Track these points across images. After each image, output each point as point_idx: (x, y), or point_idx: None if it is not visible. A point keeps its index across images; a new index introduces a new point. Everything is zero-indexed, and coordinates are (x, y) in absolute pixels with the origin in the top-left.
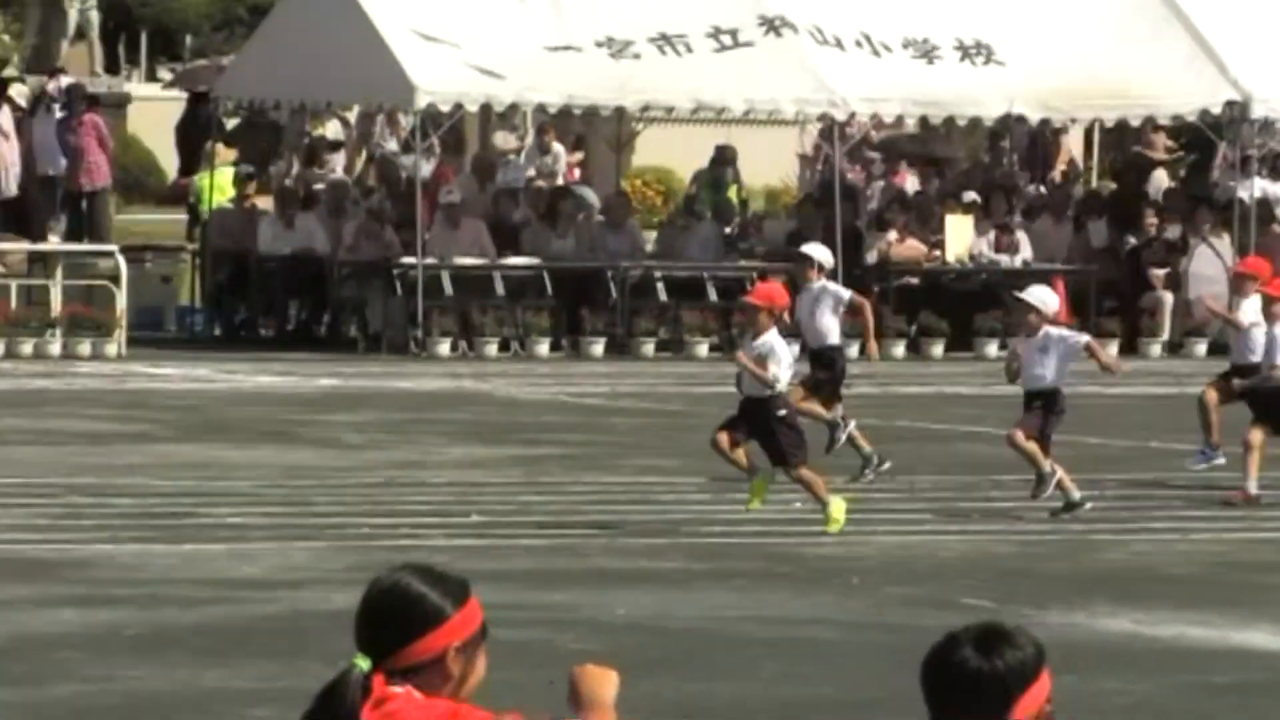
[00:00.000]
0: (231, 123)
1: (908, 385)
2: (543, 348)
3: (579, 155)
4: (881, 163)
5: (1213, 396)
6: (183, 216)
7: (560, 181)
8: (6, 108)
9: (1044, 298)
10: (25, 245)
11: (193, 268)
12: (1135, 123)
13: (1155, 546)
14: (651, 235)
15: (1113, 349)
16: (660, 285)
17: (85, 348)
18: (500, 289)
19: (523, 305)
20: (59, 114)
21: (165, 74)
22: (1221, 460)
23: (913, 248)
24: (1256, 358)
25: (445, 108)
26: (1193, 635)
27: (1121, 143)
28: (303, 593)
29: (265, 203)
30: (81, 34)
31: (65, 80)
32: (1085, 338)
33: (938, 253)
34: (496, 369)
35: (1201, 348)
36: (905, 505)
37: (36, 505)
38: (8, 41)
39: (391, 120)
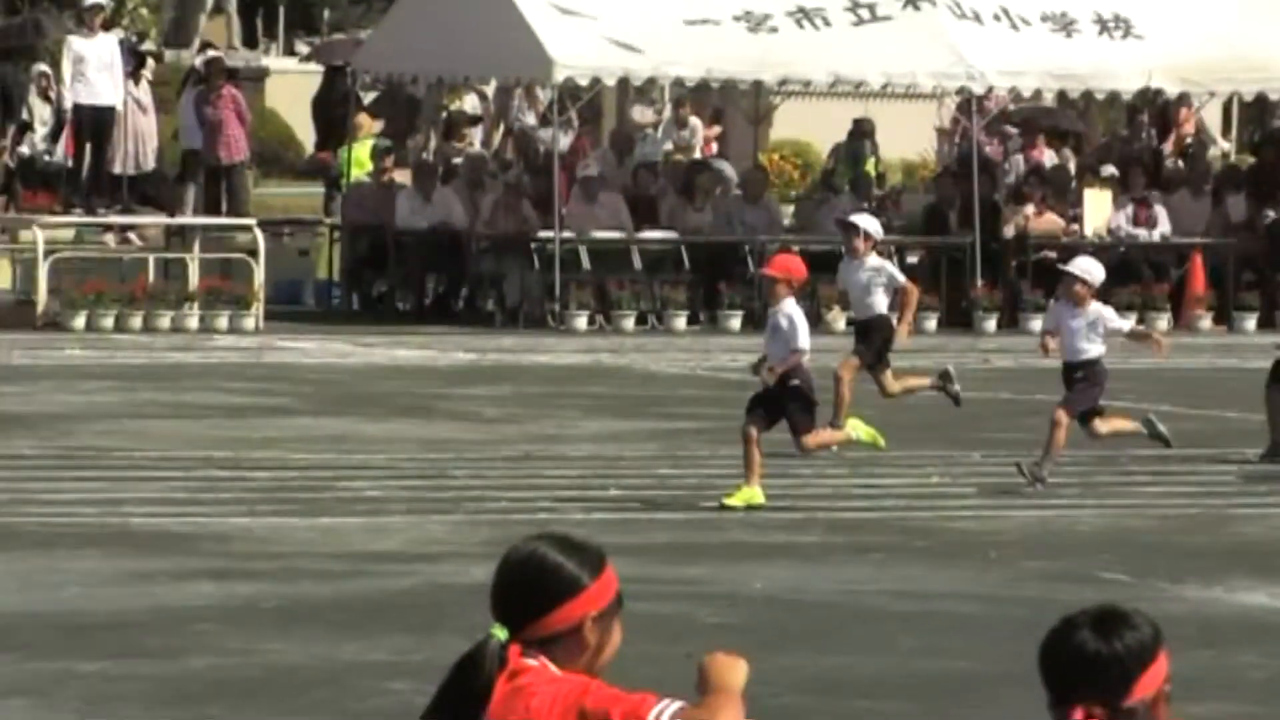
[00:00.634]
0: (368, 97)
1: (1047, 360)
2: (680, 321)
3: (716, 129)
4: (1019, 136)
5: None
6: (320, 190)
7: (697, 155)
8: (145, 82)
9: (1089, 269)
10: (163, 219)
11: (330, 241)
12: (1274, 96)
13: None
14: (788, 209)
15: (1162, 323)
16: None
17: (223, 321)
18: (637, 263)
19: (660, 279)
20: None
21: (302, 48)
22: None
23: (1050, 221)
24: None
25: (583, 81)
26: None
27: (1261, 116)
28: (440, 566)
29: (402, 177)
30: (219, 8)
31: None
32: (1128, 325)
33: (1075, 227)
34: (633, 343)
35: None
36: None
37: (174, 479)
38: (146, 16)
39: (529, 94)
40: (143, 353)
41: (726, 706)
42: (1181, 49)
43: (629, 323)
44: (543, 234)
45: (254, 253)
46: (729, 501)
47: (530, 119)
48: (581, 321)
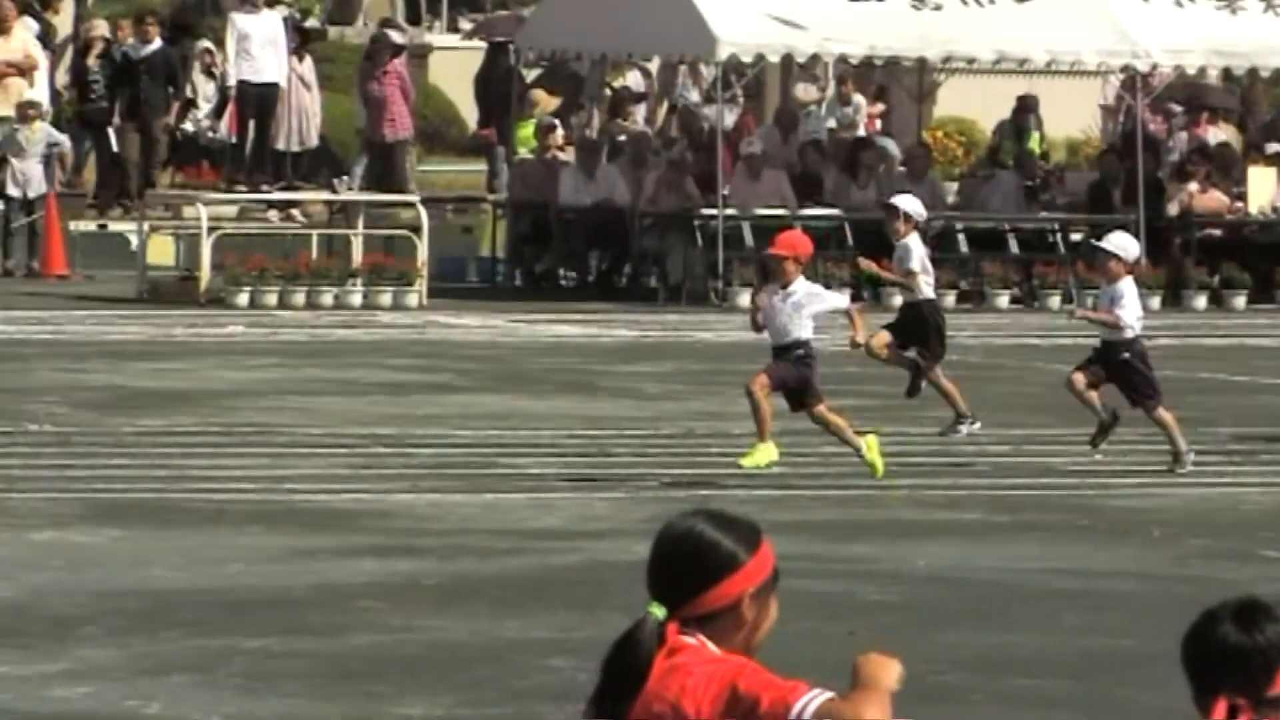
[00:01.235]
0: (531, 74)
1: (1209, 337)
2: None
3: (880, 106)
4: (1183, 114)
5: None
6: (483, 167)
7: (860, 132)
8: (309, 58)
9: (1124, 244)
10: (327, 195)
11: (494, 218)
12: None
13: None
14: (952, 187)
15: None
16: (961, 237)
17: (386, 298)
18: None
19: (823, 256)
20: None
21: (465, 24)
22: None
23: (1215, 199)
24: None
25: (747, 59)
26: None
27: None
28: (602, 543)
29: (566, 154)
30: None
31: (378, 29)
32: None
33: (1240, 204)
34: None
35: None
36: (1207, 458)
37: (337, 455)
38: None
39: (693, 71)
40: (305, 329)
41: (873, 702)
42: None
43: None
44: (706, 211)
45: (417, 229)
46: (871, 456)
47: (694, 96)
48: (745, 298)
